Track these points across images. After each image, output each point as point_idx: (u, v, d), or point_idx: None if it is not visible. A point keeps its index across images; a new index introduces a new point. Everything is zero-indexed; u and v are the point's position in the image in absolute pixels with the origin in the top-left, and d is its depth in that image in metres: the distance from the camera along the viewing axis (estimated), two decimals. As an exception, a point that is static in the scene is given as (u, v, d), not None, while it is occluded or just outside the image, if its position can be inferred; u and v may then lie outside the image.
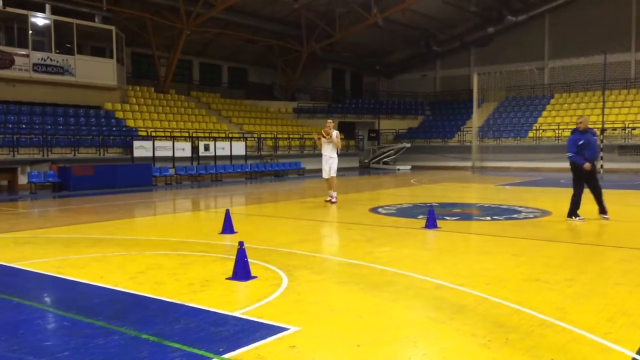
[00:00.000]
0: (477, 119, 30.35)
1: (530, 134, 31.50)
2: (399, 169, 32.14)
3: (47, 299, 5.38)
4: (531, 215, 10.90)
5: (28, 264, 6.71)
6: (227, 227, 8.92)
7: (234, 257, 5.84)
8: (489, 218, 10.58)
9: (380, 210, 12.05)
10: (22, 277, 6.21)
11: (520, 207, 12.32)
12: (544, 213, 11.21)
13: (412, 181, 22.37)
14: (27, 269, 6.45)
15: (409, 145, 33.45)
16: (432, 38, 37.16)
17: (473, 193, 17.82)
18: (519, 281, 5.68)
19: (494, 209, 12.07)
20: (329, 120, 13.90)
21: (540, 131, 31.19)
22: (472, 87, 30.23)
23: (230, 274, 5.83)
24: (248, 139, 28.01)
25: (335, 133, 13.38)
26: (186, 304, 4.89)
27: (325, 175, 13.60)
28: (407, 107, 39.76)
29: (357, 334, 4.10)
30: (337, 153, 13.65)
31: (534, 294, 5.19)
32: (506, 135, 32.28)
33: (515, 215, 10.91)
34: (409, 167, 33.00)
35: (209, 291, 5.36)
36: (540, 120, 32.84)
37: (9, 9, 22.04)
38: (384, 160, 34.20)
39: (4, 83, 22.29)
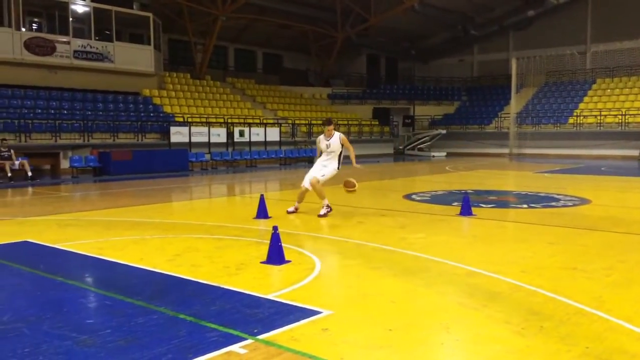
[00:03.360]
0: (515, 105, 29.71)
1: (571, 121, 30.70)
2: (433, 156, 31.81)
3: (89, 279, 5.57)
4: (570, 204, 10.68)
5: (70, 245, 6.94)
6: (262, 212, 9.03)
7: (268, 242, 5.92)
8: (525, 206, 10.41)
9: (414, 197, 11.98)
10: (65, 257, 6.44)
11: (558, 195, 12.07)
12: (583, 201, 10.96)
13: (447, 168, 22.12)
14: (70, 250, 6.68)
15: (444, 132, 33.01)
16: (470, 22, 36.42)
17: (510, 180, 17.52)
18: (555, 269, 5.60)
19: (531, 196, 11.86)
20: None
21: (582, 117, 30.36)
22: (510, 72, 29.56)
23: (264, 257, 5.92)
24: (282, 124, 28.14)
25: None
26: (222, 286, 4.99)
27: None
28: (443, 92, 39.19)
29: (389, 318, 4.13)
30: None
31: (570, 282, 5.11)
32: (545, 122, 31.53)
33: (553, 203, 10.71)
34: (444, 153, 32.61)
35: (243, 274, 5.46)
36: (581, 106, 31.95)
37: (50, -3, 22.60)
38: (419, 146, 33.89)
39: (46, 69, 22.91)
